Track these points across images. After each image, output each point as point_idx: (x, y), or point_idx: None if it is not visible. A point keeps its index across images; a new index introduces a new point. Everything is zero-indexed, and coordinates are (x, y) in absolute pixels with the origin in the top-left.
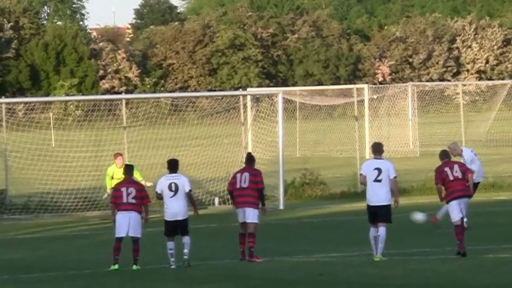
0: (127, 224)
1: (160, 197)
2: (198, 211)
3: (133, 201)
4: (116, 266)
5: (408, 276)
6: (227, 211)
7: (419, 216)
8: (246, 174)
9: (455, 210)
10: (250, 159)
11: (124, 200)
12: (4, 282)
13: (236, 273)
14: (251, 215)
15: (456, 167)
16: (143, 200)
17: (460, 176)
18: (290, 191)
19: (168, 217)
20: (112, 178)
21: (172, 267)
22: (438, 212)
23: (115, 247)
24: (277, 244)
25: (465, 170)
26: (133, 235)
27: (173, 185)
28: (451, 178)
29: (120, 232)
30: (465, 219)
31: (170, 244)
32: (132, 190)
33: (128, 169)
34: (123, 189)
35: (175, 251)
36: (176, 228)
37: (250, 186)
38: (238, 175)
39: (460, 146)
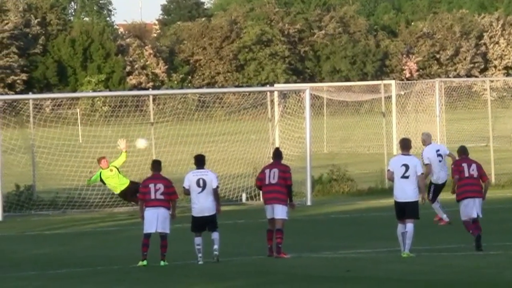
0: (155, 220)
1: (187, 192)
2: (220, 208)
3: (161, 197)
4: (145, 262)
5: (436, 272)
6: (255, 207)
7: (141, 142)
8: (276, 170)
9: (465, 209)
10: (278, 154)
11: (153, 196)
12: (32, 278)
13: (263, 269)
14: (279, 211)
15: (474, 166)
16: (171, 196)
17: (475, 175)
18: (318, 187)
19: (196, 213)
20: (101, 180)
21: (200, 263)
22: (440, 213)
23: (143, 243)
24: (304, 240)
25: (483, 174)
26: (161, 231)
27: (201, 180)
28: (466, 174)
29: (148, 228)
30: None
31: (198, 240)
32: (160, 186)
33: (156, 165)
34: (151, 185)
35: (202, 247)
36: (203, 224)
37: (279, 182)
38: (267, 171)
39: (430, 140)
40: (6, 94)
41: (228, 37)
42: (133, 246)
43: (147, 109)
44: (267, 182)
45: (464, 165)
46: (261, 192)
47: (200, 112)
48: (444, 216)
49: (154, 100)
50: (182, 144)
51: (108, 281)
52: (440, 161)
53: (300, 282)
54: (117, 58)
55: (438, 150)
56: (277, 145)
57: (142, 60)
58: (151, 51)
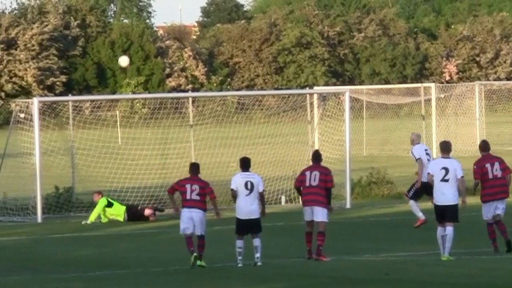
0: (191, 221)
1: (235, 194)
2: (265, 211)
3: (197, 197)
4: (195, 254)
5: (476, 275)
6: (294, 210)
7: (123, 60)
8: (317, 173)
9: (489, 209)
10: (318, 156)
11: (188, 197)
12: (72, 280)
13: (303, 272)
14: (320, 213)
15: (496, 164)
16: (209, 196)
17: (499, 175)
18: (357, 190)
19: (242, 216)
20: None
21: (239, 265)
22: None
23: (187, 242)
24: (344, 243)
25: (505, 168)
26: (197, 233)
27: (249, 183)
28: (490, 176)
29: (185, 229)
30: (499, 212)
31: (240, 243)
32: (196, 187)
33: (194, 168)
34: (188, 186)
35: (243, 250)
36: (248, 227)
37: (319, 185)
38: (308, 173)
39: (419, 140)
40: (46, 96)
41: (268, 40)
42: (172, 248)
43: (186, 111)
44: (307, 184)
45: (488, 165)
46: (299, 193)
47: (240, 114)
48: (420, 215)
49: (193, 102)
50: (221, 146)
51: (147, 283)
52: (428, 160)
53: (340, 285)
54: (157, 60)
55: (426, 150)
56: (316, 147)
57: (181, 62)
58: (191, 53)
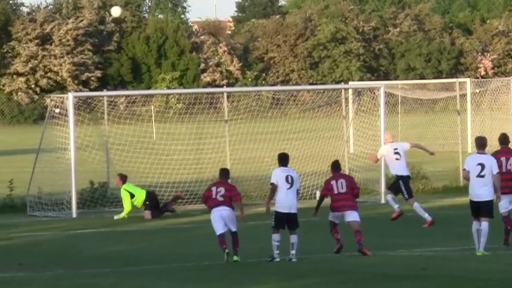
0: (222, 219)
1: (275, 188)
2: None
3: (221, 198)
4: (227, 250)
5: (511, 271)
6: (328, 205)
7: (115, 10)
8: (342, 180)
9: (502, 204)
10: (338, 165)
11: (214, 197)
12: (106, 275)
13: (338, 267)
14: (352, 215)
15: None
16: (233, 198)
17: None
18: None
19: (282, 209)
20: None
21: (276, 260)
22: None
23: (220, 240)
24: (379, 238)
25: None
26: (232, 229)
27: (289, 177)
28: (504, 169)
29: (219, 229)
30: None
31: (277, 236)
32: (221, 189)
33: (224, 173)
34: (213, 188)
35: (280, 244)
36: (286, 221)
37: (348, 191)
38: (333, 182)
39: (390, 138)
40: (81, 91)
41: (303, 35)
42: (207, 243)
43: (221, 107)
44: (336, 192)
45: (503, 159)
46: (320, 201)
47: (274, 109)
48: (396, 207)
49: (228, 97)
50: (256, 141)
51: (182, 279)
52: (397, 159)
53: (375, 280)
54: (192, 55)
55: (396, 149)
56: (351, 142)
57: (216, 57)
58: (226, 48)
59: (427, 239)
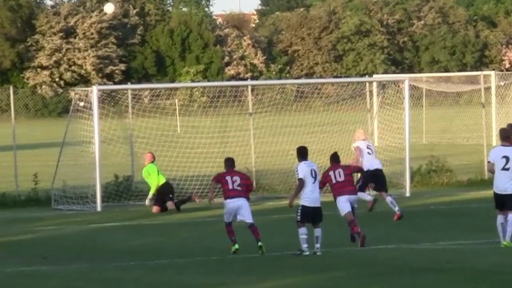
0: (234, 211)
1: (303, 183)
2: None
3: (239, 188)
4: (236, 246)
5: None
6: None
7: (109, 7)
8: (340, 170)
9: None
10: (338, 157)
11: (231, 187)
12: (131, 268)
13: (362, 260)
14: (356, 201)
15: None
16: (249, 187)
17: None
18: (417, 178)
19: (309, 203)
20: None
21: (306, 253)
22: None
23: (227, 230)
24: (403, 232)
25: None
26: (248, 221)
27: (313, 171)
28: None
29: (228, 218)
30: None
31: (304, 230)
32: (237, 178)
33: (230, 162)
34: (228, 178)
35: (308, 237)
36: (313, 215)
37: (347, 179)
38: (331, 173)
39: (362, 135)
40: (105, 84)
41: (327, 28)
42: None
43: (245, 100)
44: (334, 181)
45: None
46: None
47: (299, 102)
48: (369, 198)
49: (252, 90)
50: (280, 134)
51: (206, 272)
52: (369, 153)
53: (400, 273)
54: (216, 48)
55: (368, 145)
56: (376, 135)
57: (240, 51)
58: (250, 42)
59: (452, 233)
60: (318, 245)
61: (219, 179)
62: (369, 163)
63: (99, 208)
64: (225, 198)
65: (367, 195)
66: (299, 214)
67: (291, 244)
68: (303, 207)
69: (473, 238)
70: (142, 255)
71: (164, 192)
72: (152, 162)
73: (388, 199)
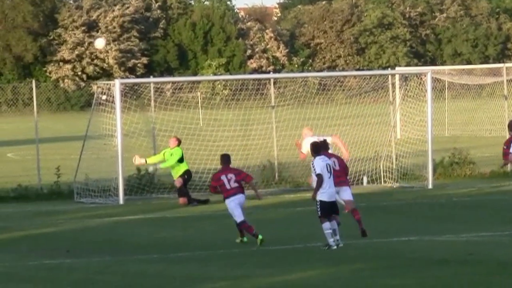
0: (240, 207)
1: (321, 178)
2: None
3: (236, 184)
4: (260, 237)
5: None
6: (376, 190)
7: (99, 42)
8: (335, 159)
9: None
10: (327, 146)
11: (228, 187)
12: (153, 261)
13: (384, 253)
14: (348, 192)
15: None
16: (245, 180)
17: None
18: (439, 170)
19: (327, 198)
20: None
21: (334, 248)
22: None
23: (246, 228)
24: (426, 223)
25: None
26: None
27: (328, 166)
28: None
29: (240, 215)
30: None
31: (328, 224)
32: (231, 176)
33: (226, 158)
34: (223, 177)
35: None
36: (332, 209)
37: (341, 169)
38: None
39: (310, 132)
40: (127, 77)
41: (349, 21)
42: (255, 229)
43: (267, 93)
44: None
45: None
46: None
47: (321, 95)
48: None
49: (274, 83)
50: (302, 127)
51: (229, 265)
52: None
53: (421, 265)
54: (238, 41)
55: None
56: (398, 128)
57: (262, 44)
58: (272, 35)
59: (474, 224)
60: (337, 237)
61: (216, 181)
62: None
63: (121, 201)
64: (225, 198)
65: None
66: (319, 209)
67: (313, 236)
68: (322, 202)
69: (495, 230)
70: (164, 248)
71: (186, 181)
72: (178, 146)
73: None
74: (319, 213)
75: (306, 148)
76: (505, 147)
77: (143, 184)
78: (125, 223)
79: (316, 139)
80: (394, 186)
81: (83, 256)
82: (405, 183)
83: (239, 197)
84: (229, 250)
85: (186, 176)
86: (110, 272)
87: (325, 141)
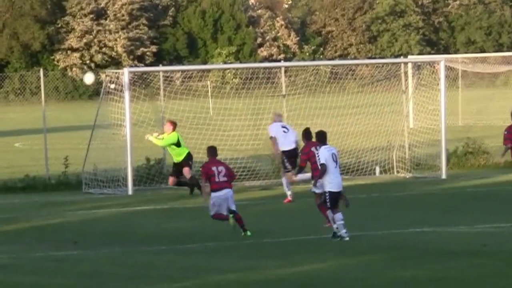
0: (225, 202)
1: (325, 168)
2: None
3: (225, 178)
4: (231, 220)
5: None
6: (388, 181)
7: (88, 78)
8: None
9: None
10: (310, 134)
11: (217, 179)
12: (162, 252)
13: (397, 243)
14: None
15: None
16: (232, 177)
17: None
18: (453, 160)
19: (335, 188)
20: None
21: (346, 239)
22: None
23: (220, 217)
24: (439, 214)
25: None
26: (232, 208)
27: (333, 155)
28: None
29: (218, 211)
30: None
31: (340, 215)
32: (222, 169)
33: (213, 150)
34: (214, 168)
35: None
36: (338, 199)
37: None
38: (314, 149)
39: (280, 119)
40: (136, 66)
41: (361, 8)
42: (264, 220)
43: (278, 81)
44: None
45: None
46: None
47: (333, 84)
48: (289, 193)
49: (285, 72)
50: (314, 117)
51: (237, 256)
52: (285, 131)
53: (435, 257)
54: (248, 29)
55: (284, 126)
56: (411, 117)
57: (273, 32)
58: (283, 23)
59: (488, 215)
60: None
61: (207, 172)
62: (284, 143)
63: (130, 192)
64: (211, 191)
65: (289, 190)
66: (328, 200)
67: (323, 227)
68: (331, 193)
69: (510, 221)
70: (173, 239)
71: (183, 164)
72: (174, 130)
73: (285, 180)
74: (329, 204)
75: (273, 131)
76: (505, 132)
77: (152, 174)
78: (134, 214)
79: (282, 123)
80: (407, 177)
81: (90, 247)
82: (418, 174)
83: (227, 192)
84: (238, 242)
85: (190, 162)
86: (118, 264)
87: (307, 129)
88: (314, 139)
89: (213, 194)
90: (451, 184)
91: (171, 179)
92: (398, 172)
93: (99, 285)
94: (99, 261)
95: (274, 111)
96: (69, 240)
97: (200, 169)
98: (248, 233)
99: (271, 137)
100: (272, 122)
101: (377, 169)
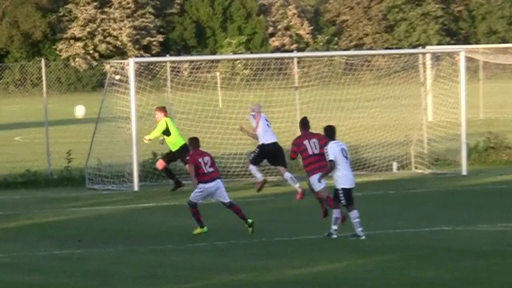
0: (215, 193)
1: (333, 165)
2: None
3: (211, 169)
4: (205, 229)
5: None
6: (406, 177)
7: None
8: (315, 140)
9: None
10: (307, 123)
11: (205, 170)
12: (169, 251)
13: (415, 243)
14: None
15: None
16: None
17: None
18: (474, 155)
19: (349, 184)
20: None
21: (362, 238)
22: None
23: (195, 212)
24: (460, 212)
25: None
26: (225, 201)
27: (344, 151)
28: None
29: (200, 199)
30: None
31: (356, 213)
32: (207, 159)
33: (196, 142)
34: (200, 160)
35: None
36: (352, 196)
37: (321, 152)
38: (306, 142)
39: (260, 110)
40: (142, 56)
41: None
42: (275, 218)
43: (291, 73)
44: (310, 153)
45: None
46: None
47: (348, 75)
48: (259, 176)
49: (298, 63)
50: (328, 109)
51: (245, 255)
52: (268, 125)
53: (455, 257)
54: (259, 18)
55: (267, 119)
56: (429, 111)
57: (285, 21)
58: (295, 11)
59: (511, 213)
60: (335, 227)
61: (195, 163)
62: (267, 136)
63: (136, 188)
64: (200, 182)
65: (296, 183)
66: (342, 198)
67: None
68: (344, 190)
69: None
70: (180, 237)
71: (176, 155)
72: (165, 116)
73: (287, 175)
74: (344, 201)
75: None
76: None
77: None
78: (140, 210)
79: (265, 115)
80: (426, 173)
81: (95, 245)
82: (437, 170)
83: (217, 182)
84: (248, 240)
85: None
86: (124, 263)
87: (304, 118)
88: (314, 133)
89: (203, 186)
90: (471, 180)
91: (160, 162)
92: (416, 168)
93: (104, 285)
94: (104, 260)
95: (255, 103)
96: (73, 238)
97: (186, 161)
98: (250, 220)
99: (254, 130)
100: (257, 114)
101: (394, 165)
